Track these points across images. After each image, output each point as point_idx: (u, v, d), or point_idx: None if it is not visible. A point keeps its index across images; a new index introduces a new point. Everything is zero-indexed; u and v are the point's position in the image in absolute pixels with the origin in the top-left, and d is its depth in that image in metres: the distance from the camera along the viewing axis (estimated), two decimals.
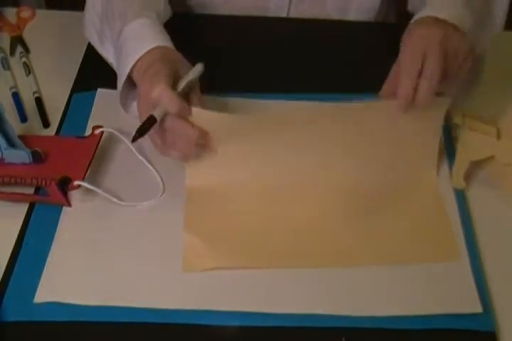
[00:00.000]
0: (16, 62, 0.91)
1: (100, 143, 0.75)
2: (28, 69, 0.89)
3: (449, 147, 0.78)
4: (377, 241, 0.70)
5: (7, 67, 0.90)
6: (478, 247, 0.70)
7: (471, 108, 0.81)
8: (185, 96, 0.68)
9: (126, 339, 0.63)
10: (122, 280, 0.66)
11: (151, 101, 0.66)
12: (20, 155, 0.71)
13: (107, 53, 0.81)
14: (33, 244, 0.69)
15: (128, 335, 0.63)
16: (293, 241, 0.70)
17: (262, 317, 0.63)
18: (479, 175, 0.77)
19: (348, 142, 0.73)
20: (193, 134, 0.67)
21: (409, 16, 0.76)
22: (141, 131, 0.65)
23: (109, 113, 0.80)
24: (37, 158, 0.72)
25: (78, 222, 0.71)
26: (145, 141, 0.69)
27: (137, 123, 0.66)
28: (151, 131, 0.67)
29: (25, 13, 0.99)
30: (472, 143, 0.74)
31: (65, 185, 0.70)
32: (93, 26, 0.84)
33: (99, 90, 0.85)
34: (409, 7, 0.91)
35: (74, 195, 0.73)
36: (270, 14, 0.98)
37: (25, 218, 0.71)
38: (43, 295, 0.65)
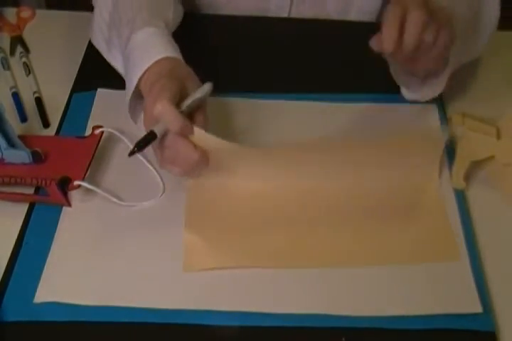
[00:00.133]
0: (16, 62, 0.91)
1: (100, 143, 0.75)
2: (28, 69, 0.89)
3: (449, 147, 0.78)
4: (377, 242, 0.69)
5: (7, 67, 0.90)
6: (478, 247, 0.70)
7: (471, 108, 0.81)
8: (191, 114, 0.67)
9: (126, 339, 0.63)
10: (122, 280, 0.66)
11: (154, 117, 0.64)
12: (20, 155, 0.71)
13: (115, 61, 0.80)
14: (33, 243, 0.69)
15: (128, 335, 0.62)
16: (293, 241, 0.69)
17: (262, 317, 0.63)
18: (479, 175, 0.76)
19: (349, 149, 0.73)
20: (193, 155, 0.65)
21: None
22: (140, 146, 0.64)
23: (109, 113, 0.80)
24: (37, 158, 0.72)
25: (78, 222, 0.71)
26: None
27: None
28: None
29: (25, 13, 0.99)
30: (472, 143, 0.74)
31: (65, 185, 0.70)
32: (101, 34, 0.82)
33: (99, 90, 0.85)
34: None
35: (74, 195, 0.73)
36: (271, 15, 0.98)
37: (25, 218, 0.71)
38: (43, 295, 0.65)
